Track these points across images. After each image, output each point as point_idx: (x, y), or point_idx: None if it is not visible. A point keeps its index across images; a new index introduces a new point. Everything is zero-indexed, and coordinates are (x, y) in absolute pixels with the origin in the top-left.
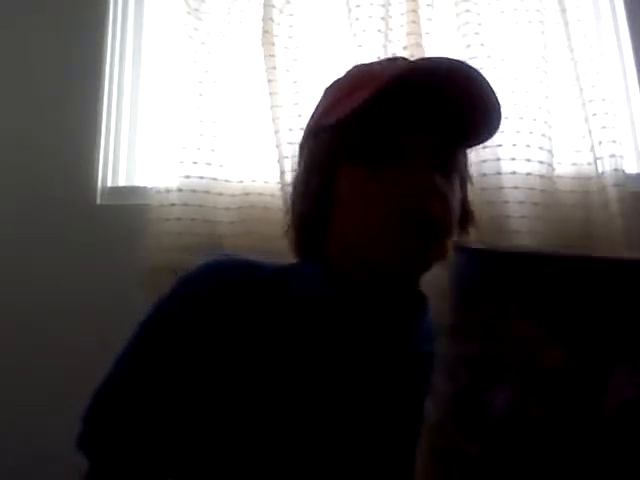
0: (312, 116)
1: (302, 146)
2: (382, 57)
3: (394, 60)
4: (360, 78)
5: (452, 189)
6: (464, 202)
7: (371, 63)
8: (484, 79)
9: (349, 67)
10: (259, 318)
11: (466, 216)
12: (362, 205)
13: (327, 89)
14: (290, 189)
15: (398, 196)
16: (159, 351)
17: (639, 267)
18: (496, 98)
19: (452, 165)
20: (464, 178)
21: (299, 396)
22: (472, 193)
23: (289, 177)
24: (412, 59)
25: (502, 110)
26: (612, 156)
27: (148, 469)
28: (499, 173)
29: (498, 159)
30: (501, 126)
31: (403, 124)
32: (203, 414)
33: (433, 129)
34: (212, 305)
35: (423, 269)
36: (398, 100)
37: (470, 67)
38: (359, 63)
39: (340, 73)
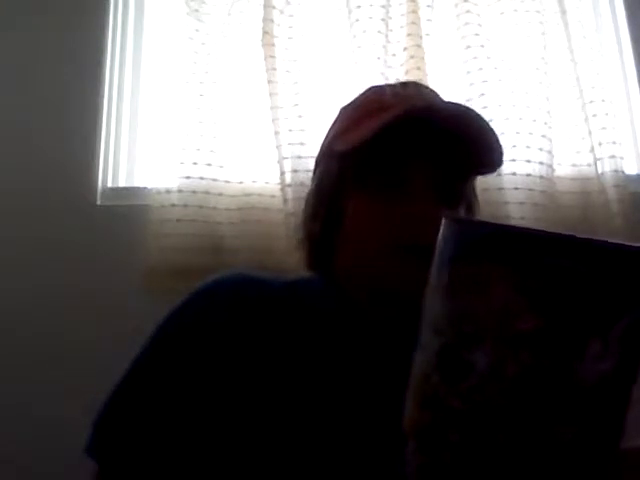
0: (327, 136)
1: (317, 163)
2: (382, 57)
3: (405, 86)
4: (371, 106)
5: None
6: None
7: (383, 87)
8: (489, 127)
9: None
10: (270, 328)
11: None
12: (365, 232)
13: (341, 110)
14: (290, 190)
15: (402, 228)
16: (173, 359)
17: (619, 251)
18: (499, 145)
19: (457, 196)
20: (470, 204)
21: (306, 407)
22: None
23: (289, 178)
24: (422, 86)
25: (504, 153)
26: (612, 157)
27: (156, 475)
28: (499, 174)
29: None
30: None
31: (409, 156)
32: (214, 422)
33: (438, 162)
34: (226, 316)
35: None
36: (406, 131)
37: (477, 115)
38: (373, 85)
39: (340, 74)
